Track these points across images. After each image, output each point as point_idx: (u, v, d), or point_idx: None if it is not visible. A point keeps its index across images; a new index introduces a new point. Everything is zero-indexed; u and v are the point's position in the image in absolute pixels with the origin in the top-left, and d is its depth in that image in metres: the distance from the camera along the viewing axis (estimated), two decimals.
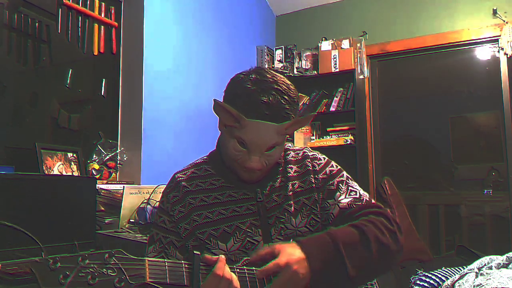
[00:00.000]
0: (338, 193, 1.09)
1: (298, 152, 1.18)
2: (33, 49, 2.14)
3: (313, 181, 1.11)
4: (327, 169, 1.13)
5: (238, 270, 0.88)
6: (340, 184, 1.11)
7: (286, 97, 0.98)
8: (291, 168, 1.13)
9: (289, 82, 1.04)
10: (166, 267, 0.79)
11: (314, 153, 1.18)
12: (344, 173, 1.16)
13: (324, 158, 1.18)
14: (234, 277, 0.85)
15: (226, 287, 0.83)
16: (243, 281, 0.87)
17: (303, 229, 1.07)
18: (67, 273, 0.66)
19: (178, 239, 1.06)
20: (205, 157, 1.17)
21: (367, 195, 1.13)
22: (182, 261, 0.82)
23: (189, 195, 1.07)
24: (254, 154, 0.99)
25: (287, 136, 1.07)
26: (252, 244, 1.04)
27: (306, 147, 1.22)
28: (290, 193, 1.09)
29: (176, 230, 1.07)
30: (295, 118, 1.01)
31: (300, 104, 1.04)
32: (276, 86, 0.98)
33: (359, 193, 1.11)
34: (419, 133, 3.54)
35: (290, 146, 1.20)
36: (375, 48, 3.55)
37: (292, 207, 1.08)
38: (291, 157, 1.15)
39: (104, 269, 0.70)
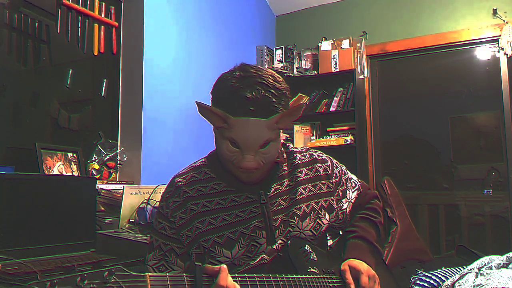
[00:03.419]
0: (348, 192, 1.20)
1: (304, 153, 1.17)
2: (33, 49, 2.14)
3: (324, 187, 1.13)
4: (336, 171, 1.18)
5: (239, 278, 0.87)
6: (348, 183, 1.21)
7: (272, 90, 0.95)
8: (301, 171, 1.12)
9: (276, 75, 1.00)
10: (168, 282, 0.76)
11: (319, 153, 1.19)
12: (344, 168, 1.24)
13: (329, 159, 1.20)
14: (237, 287, 0.84)
15: None
16: None
17: (307, 232, 1.08)
18: None
19: (179, 246, 1.04)
20: (203, 159, 1.13)
21: (356, 177, 1.27)
22: (184, 274, 0.80)
23: (190, 201, 1.04)
24: (247, 153, 0.95)
25: (282, 130, 1.04)
26: (256, 247, 1.03)
27: (306, 147, 1.22)
28: (301, 197, 1.09)
29: (177, 237, 1.04)
30: (284, 111, 0.98)
31: (289, 97, 1.03)
32: (260, 81, 0.95)
33: (355, 182, 1.25)
34: (419, 133, 3.53)
35: (292, 147, 1.18)
36: (375, 48, 3.55)
37: (302, 211, 1.08)
38: (298, 160, 1.14)
39: None
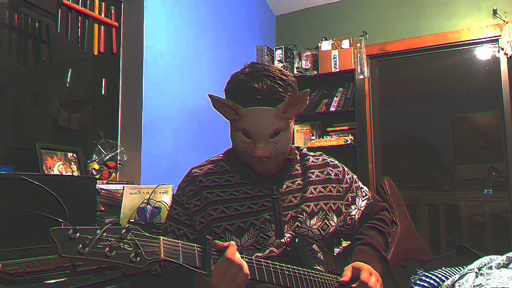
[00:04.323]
0: (357, 199, 1.23)
1: (317, 157, 1.23)
2: (33, 49, 2.14)
3: (334, 190, 1.18)
4: (346, 177, 1.23)
5: (246, 259, 0.89)
6: (358, 191, 1.25)
7: (278, 81, 1.02)
8: (313, 173, 1.18)
9: (284, 70, 1.07)
10: (180, 247, 0.80)
11: (331, 159, 1.26)
12: (355, 177, 1.28)
13: (341, 166, 1.26)
14: (244, 263, 0.87)
15: (237, 272, 0.85)
16: (251, 270, 0.89)
17: (315, 231, 1.12)
18: (86, 243, 0.68)
19: (191, 232, 1.09)
20: (220, 155, 1.20)
21: (367, 189, 1.30)
22: (195, 245, 0.83)
23: (205, 190, 1.10)
24: (259, 142, 1.02)
25: (291, 121, 1.09)
26: (264, 239, 1.06)
27: (320, 152, 1.28)
28: (311, 195, 1.14)
29: (191, 223, 1.09)
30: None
31: (296, 88, 1.10)
32: (266, 73, 1.02)
33: (366, 192, 1.28)
34: (419, 133, 3.54)
35: (305, 150, 1.24)
36: (375, 48, 3.55)
37: (310, 209, 1.12)
38: (312, 162, 1.20)
39: (121, 243, 0.71)
